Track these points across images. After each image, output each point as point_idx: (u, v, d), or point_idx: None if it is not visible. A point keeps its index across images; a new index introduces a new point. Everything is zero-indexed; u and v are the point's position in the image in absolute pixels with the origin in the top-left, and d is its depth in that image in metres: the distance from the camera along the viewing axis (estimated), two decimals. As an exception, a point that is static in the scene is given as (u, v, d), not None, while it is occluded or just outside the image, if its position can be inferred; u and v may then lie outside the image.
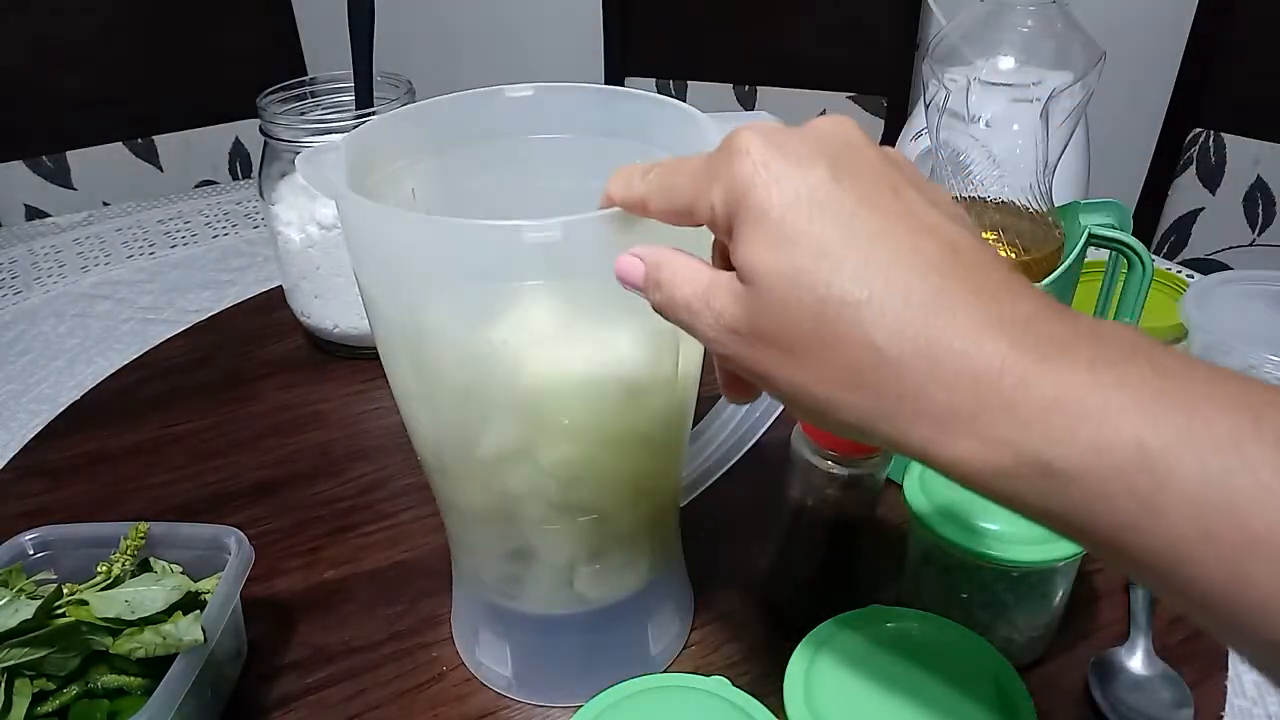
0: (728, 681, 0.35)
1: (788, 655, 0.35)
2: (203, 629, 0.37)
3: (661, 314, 0.28)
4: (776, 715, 0.33)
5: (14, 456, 0.59)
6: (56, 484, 0.56)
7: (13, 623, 0.37)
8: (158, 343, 0.71)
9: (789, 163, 0.24)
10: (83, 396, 0.65)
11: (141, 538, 0.41)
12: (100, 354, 0.71)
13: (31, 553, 0.42)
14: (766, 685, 0.36)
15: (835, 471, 0.40)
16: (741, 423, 0.45)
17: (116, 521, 0.43)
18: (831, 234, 0.23)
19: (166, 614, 0.38)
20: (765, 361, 0.24)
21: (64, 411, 0.63)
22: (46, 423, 0.62)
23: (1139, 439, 0.19)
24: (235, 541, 0.42)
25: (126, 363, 0.68)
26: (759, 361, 0.24)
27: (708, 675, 0.35)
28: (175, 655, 0.36)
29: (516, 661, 0.42)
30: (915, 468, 0.41)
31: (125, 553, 0.41)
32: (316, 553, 0.50)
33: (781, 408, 0.44)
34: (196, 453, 0.58)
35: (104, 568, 0.40)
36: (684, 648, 0.44)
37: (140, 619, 0.38)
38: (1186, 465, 0.19)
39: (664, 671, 0.43)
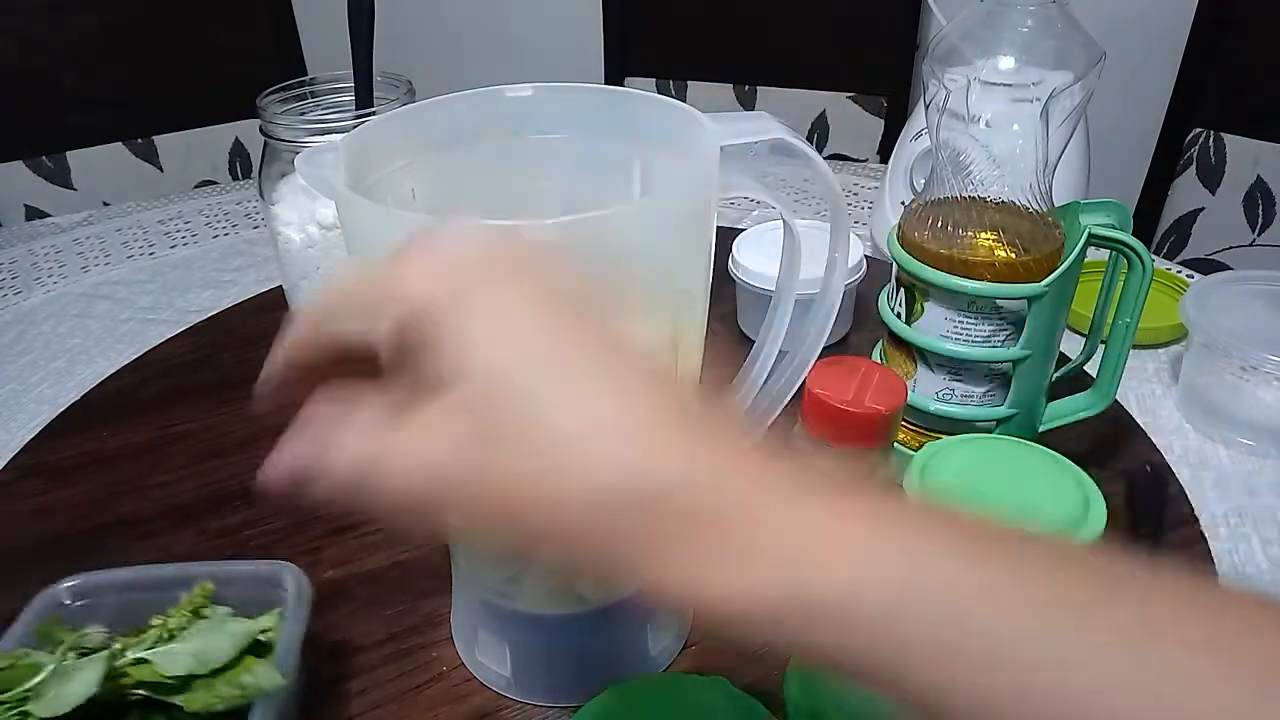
0: (728, 681, 0.35)
1: (788, 655, 0.35)
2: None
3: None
4: (776, 715, 0.33)
5: (14, 456, 0.59)
6: (56, 484, 0.56)
7: (80, 696, 0.34)
8: (158, 343, 0.71)
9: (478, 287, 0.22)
10: (83, 396, 0.65)
11: (206, 597, 0.39)
12: (100, 354, 0.71)
13: (68, 602, 0.40)
14: (766, 685, 0.36)
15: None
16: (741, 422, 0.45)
17: (157, 565, 0.41)
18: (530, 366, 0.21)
19: (234, 661, 0.37)
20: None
21: (64, 411, 0.63)
22: (46, 423, 0.62)
23: (893, 577, 0.19)
24: (293, 577, 0.40)
25: (126, 363, 0.68)
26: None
27: (708, 675, 0.35)
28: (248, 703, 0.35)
29: (516, 661, 0.42)
30: (915, 465, 0.41)
31: (185, 609, 0.38)
32: (316, 553, 0.50)
33: (781, 406, 0.44)
34: (196, 453, 0.58)
35: (159, 621, 0.37)
36: (684, 648, 0.44)
37: (210, 670, 0.36)
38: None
39: (664, 671, 0.43)
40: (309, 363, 0.25)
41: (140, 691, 0.36)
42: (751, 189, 0.37)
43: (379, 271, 0.23)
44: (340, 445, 0.23)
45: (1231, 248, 1.15)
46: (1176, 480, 0.53)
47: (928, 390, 0.49)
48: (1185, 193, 1.15)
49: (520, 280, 0.22)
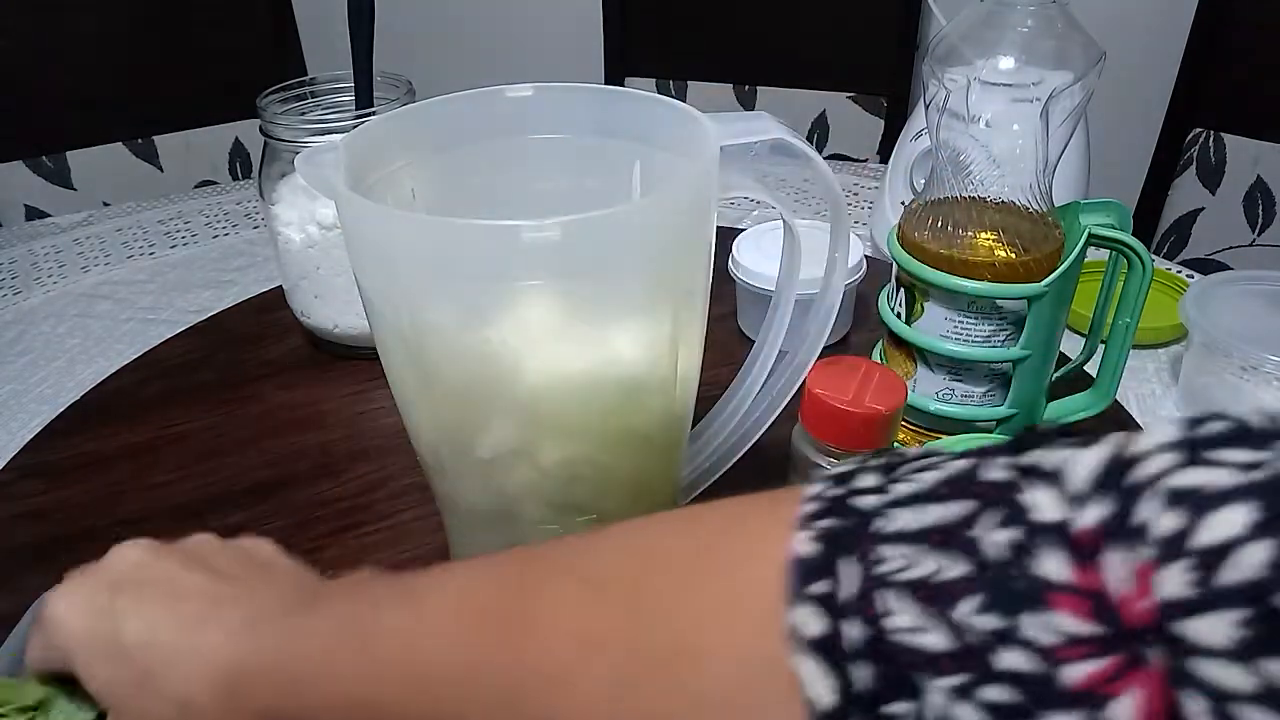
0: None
1: None
2: None
3: None
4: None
5: (14, 456, 0.59)
6: (56, 484, 0.56)
7: None
8: (158, 343, 0.71)
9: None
10: (83, 396, 0.65)
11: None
12: (100, 354, 0.71)
13: None
14: None
15: (835, 471, 0.40)
16: (741, 423, 0.45)
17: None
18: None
19: None
20: None
21: (64, 411, 0.63)
22: (46, 423, 0.62)
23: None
24: None
25: (126, 363, 0.68)
26: None
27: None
28: None
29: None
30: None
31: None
32: (317, 553, 0.50)
33: (781, 406, 0.44)
34: (196, 453, 0.58)
35: None
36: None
37: None
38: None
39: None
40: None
41: None
42: (751, 189, 0.37)
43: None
44: None
45: (1231, 248, 1.15)
46: (1176, 480, 0.53)
47: (928, 390, 0.49)
48: (1185, 193, 1.15)
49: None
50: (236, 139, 1.32)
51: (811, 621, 0.17)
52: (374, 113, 0.59)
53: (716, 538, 0.21)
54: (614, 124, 0.40)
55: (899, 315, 0.49)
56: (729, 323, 0.69)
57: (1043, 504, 0.16)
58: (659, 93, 1.18)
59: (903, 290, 0.49)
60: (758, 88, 1.31)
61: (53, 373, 0.69)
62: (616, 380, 0.35)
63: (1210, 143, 1.10)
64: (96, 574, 0.32)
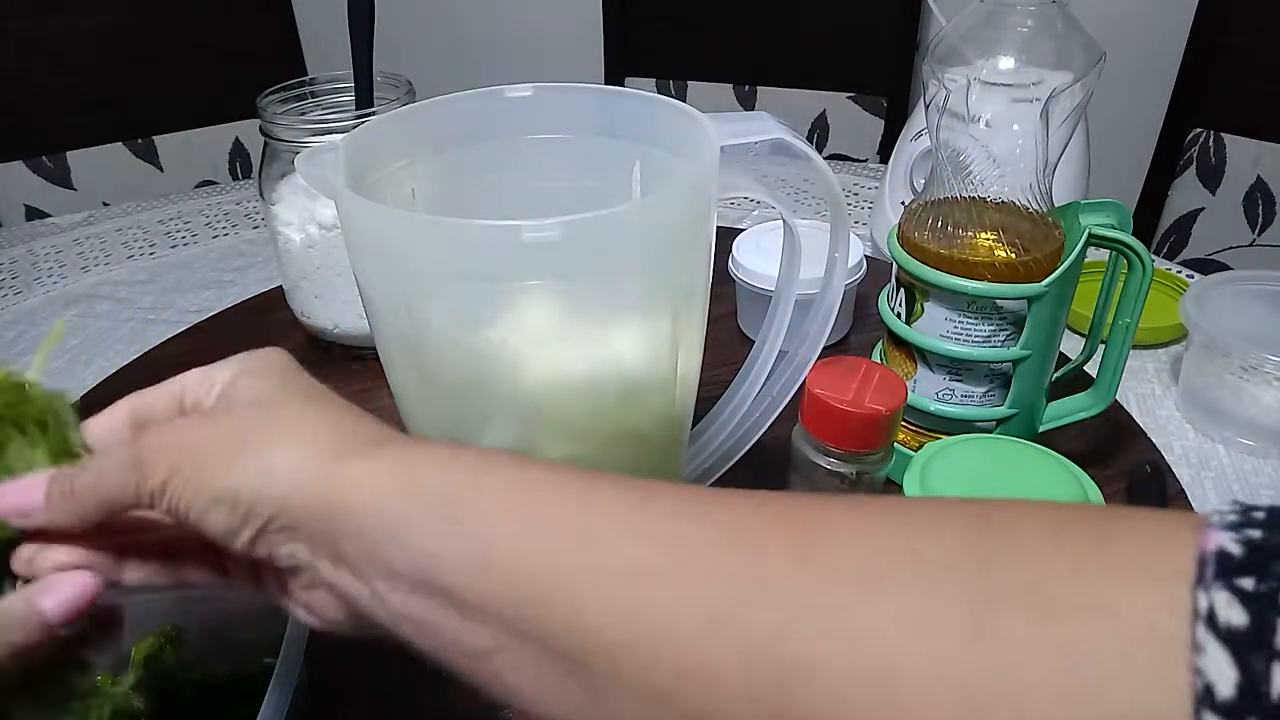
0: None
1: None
2: None
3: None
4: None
5: (14, 456, 0.59)
6: (56, 484, 0.56)
7: None
8: (158, 343, 0.71)
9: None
10: (83, 396, 0.65)
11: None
12: (100, 354, 0.71)
13: None
14: None
15: (836, 469, 0.40)
16: (741, 423, 0.45)
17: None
18: None
19: None
20: None
21: (64, 411, 0.63)
22: (46, 423, 0.62)
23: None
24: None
25: (126, 363, 0.68)
26: None
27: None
28: None
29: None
30: (915, 465, 0.42)
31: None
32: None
33: (781, 406, 0.44)
34: (196, 453, 0.58)
35: None
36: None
37: None
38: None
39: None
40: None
41: None
42: (751, 189, 0.37)
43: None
44: None
45: (1231, 248, 1.15)
46: (1176, 480, 0.53)
47: (928, 390, 0.49)
48: (1185, 193, 1.15)
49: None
50: (236, 139, 1.32)
51: (1232, 611, 0.16)
52: (374, 113, 0.59)
53: (1105, 517, 0.20)
54: (614, 124, 0.40)
55: (899, 315, 0.49)
56: (729, 323, 0.69)
57: None
58: (659, 93, 1.18)
59: (903, 290, 0.49)
60: (758, 88, 1.31)
61: (53, 373, 0.69)
62: (616, 380, 0.35)
63: (1210, 143, 1.10)
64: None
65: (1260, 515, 0.18)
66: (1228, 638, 0.16)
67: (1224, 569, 0.17)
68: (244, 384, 0.27)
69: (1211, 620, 0.16)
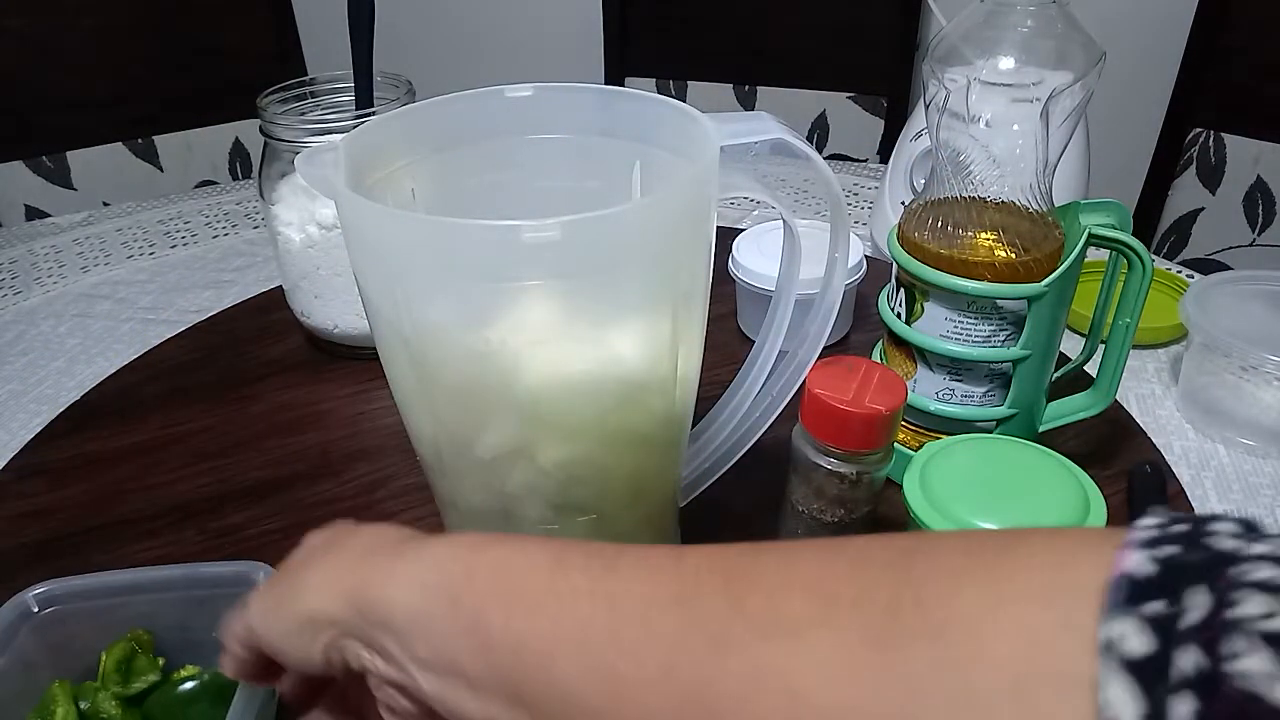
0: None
1: None
2: None
3: None
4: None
5: (14, 456, 0.59)
6: (56, 484, 0.56)
7: None
8: (158, 343, 0.71)
9: None
10: (83, 396, 0.65)
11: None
12: (100, 354, 0.71)
13: (37, 610, 0.39)
14: None
15: (836, 469, 0.40)
16: (741, 423, 0.45)
17: (128, 569, 0.40)
18: None
19: None
20: None
21: (64, 411, 0.63)
22: (46, 423, 0.62)
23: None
24: (265, 577, 0.38)
25: (126, 363, 0.68)
26: None
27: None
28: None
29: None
30: (915, 466, 0.41)
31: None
32: (316, 553, 0.50)
33: (781, 406, 0.44)
34: (196, 453, 0.58)
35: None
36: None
37: None
38: None
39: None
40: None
41: None
42: (751, 189, 0.37)
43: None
44: None
45: (1231, 248, 1.15)
46: (1176, 480, 0.53)
47: (928, 390, 0.49)
48: (1185, 193, 1.15)
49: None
50: (236, 139, 1.32)
51: (1135, 639, 0.16)
52: (374, 113, 0.59)
53: (1019, 540, 0.20)
54: (614, 124, 0.40)
55: (899, 315, 0.49)
56: (729, 323, 0.69)
57: None
58: (659, 93, 1.18)
59: (903, 290, 0.49)
60: (758, 88, 1.31)
61: (53, 373, 0.69)
62: (616, 380, 0.35)
63: (1210, 143, 1.10)
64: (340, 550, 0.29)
65: (1181, 528, 0.18)
66: (1129, 667, 0.16)
67: (1132, 594, 0.17)
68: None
69: (1112, 650, 0.16)
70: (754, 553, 0.23)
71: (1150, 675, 0.15)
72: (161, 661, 0.40)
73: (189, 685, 0.39)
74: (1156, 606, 0.16)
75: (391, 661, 0.26)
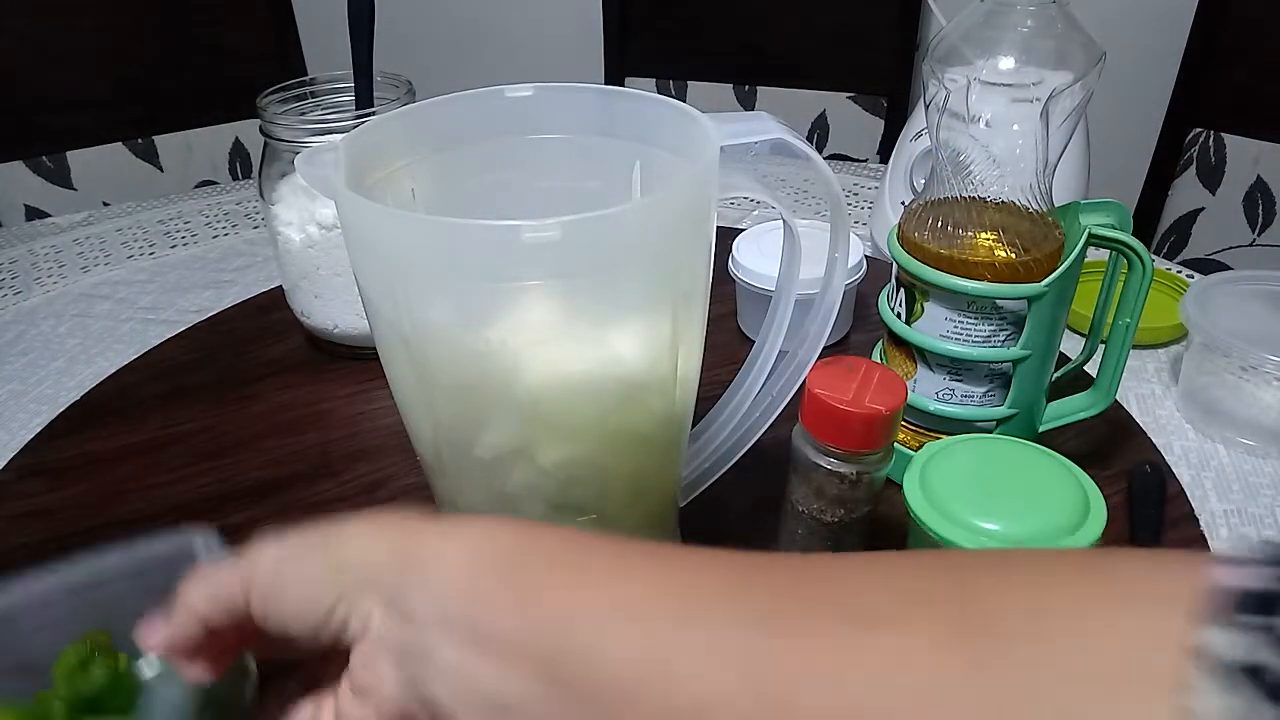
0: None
1: None
2: None
3: None
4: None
5: (14, 456, 0.59)
6: (56, 484, 0.56)
7: None
8: (158, 343, 0.71)
9: None
10: (83, 396, 0.65)
11: None
12: (100, 354, 0.71)
13: None
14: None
15: (836, 469, 0.40)
16: (741, 423, 0.45)
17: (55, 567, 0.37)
18: None
19: None
20: None
21: (64, 411, 0.63)
22: (46, 423, 0.62)
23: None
24: (205, 546, 0.35)
25: (126, 363, 0.68)
26: None
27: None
28: None
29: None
30: (915, 466, 0.41)
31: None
32: (316, 553, 0.50)
33: (781, 406, 0.44)
34: (196, 453, 0.58)
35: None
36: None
37: None
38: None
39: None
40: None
41: None
42: (751, 189, 0.37)
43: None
44: None
45: (1231, 248, 1.15)
46: (1176, 480, 0.53)
47: (928, 390, 0.49)
48: (1185, 193, 1.15)
49: None
50: (236, 139, 1.32)
51: (1233, 647, 0.16)
52: (374, 113, 0.59)
53: (1105, 554, 0.21)
54: (614, 124, 0.40)
55: (899, 315, 0.49)
56: (729, 323, 0.69)
57: None
58: (659, 93, 1.18)
59: (903, 290, 0.49)
60: (758, 88, 1.31)
61: (53, 373, 0.69)
62: (616, 380, 0.35)
63: (1210, 143, 1.10)
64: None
65: (1273, 550, 0.18)
66: (1223, 672, 0.16)
67: (1231, 604, 0.17)
68: None
69: (1208, 656, 0.16)
70: (833, 558, 0.24)
71: (1241, 684, 0.16)
72: (124, 658, 0.37)
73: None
74: (1259, 619, 0.16)
75: (411, 624, 0.25)
